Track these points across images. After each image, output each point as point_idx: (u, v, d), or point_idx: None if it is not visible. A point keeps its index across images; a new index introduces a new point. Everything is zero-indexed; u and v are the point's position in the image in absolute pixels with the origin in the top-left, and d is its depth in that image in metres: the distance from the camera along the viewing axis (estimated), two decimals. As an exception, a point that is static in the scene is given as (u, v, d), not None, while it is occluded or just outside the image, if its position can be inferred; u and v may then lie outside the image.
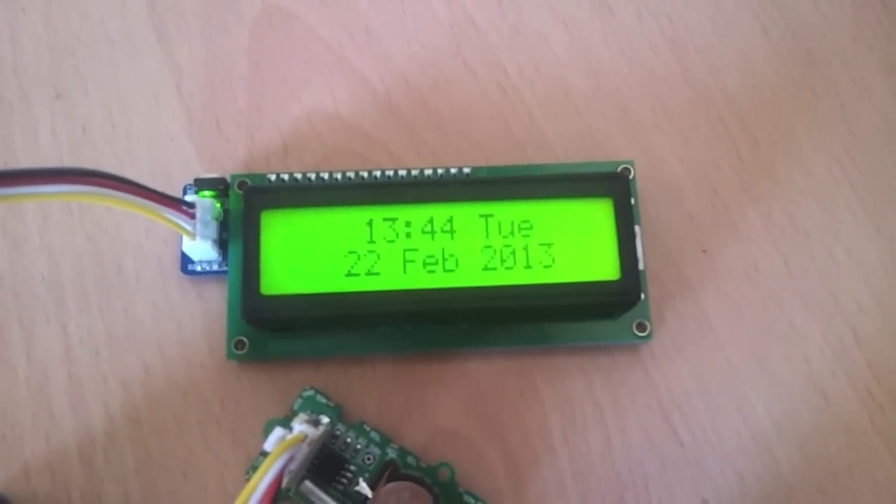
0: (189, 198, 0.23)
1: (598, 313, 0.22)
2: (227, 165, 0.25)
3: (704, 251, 0.24)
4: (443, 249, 0.21)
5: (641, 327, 0.23)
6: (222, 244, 0.23)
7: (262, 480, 0.18)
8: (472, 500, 0.21)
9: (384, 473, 0.21)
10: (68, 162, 0.25)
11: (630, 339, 0.23)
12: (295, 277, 0.21)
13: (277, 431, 0.19)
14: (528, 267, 0.21)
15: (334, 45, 0.26)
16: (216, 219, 0.23)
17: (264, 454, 0.19)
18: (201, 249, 0.23)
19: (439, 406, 0.22)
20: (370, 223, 0.22)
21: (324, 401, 0.22)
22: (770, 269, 0.24)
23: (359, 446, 0.21)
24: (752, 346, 0.23)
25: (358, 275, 0.21)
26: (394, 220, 0.22)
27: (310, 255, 0.21)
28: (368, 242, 0.22)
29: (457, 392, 0.23)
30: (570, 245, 0.22)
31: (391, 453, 0.21)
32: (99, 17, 0.26)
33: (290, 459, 0.19)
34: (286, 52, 0.26)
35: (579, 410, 0.22)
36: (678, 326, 0.23)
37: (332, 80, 0.26)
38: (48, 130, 0.25)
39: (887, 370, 0.23)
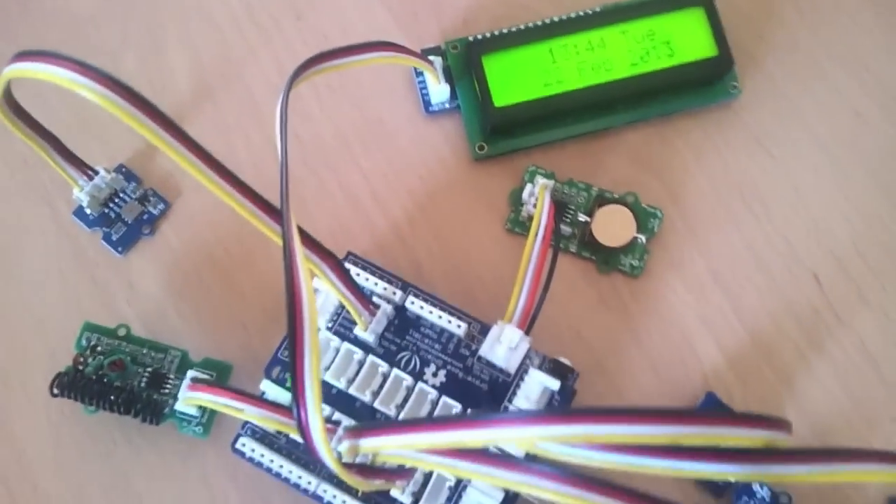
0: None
1: (708, 80, 0.34)
2: (431, 39, 0.35)
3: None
4: (602, 57, 0.33)
5: (734, 87, 0.34)
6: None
7: (544, 210, 0.30)
8: (652, 210, 0.33)
9: (596, 203, 0.33)
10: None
11: (728, 98, 0.34)
12: (513, 92, 0.33)
13: (539, 180, 0.31)
14: (658, 58, 0.33)
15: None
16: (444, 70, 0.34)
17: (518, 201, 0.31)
18: (439, 92, 0.34)
19: (615, 162, 0.34)
20: (551, 50, 0.33)
21: (542, 171, 0.33)
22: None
23: (573, 192, 0.33)
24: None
25: (551, 83, 0.33)
26: (567, 45, 0.33)
27: (518, 76, 0.33)
28: (553, 63, 0.33)
29: (624, 153, 0.34)
30: (682, 40, 0.33)
31: (595, 192, 0.33)
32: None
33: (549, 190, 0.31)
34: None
35: (703, 147, 0.34)
36: (764, 80, 0.35)
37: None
38: (301, 43, 0.36)
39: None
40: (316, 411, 0.22)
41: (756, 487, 0.30)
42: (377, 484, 0.25)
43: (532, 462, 0.20)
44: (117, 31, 0.36)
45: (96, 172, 0.32)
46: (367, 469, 0.25)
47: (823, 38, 0.35)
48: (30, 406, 0.32)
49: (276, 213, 0.24)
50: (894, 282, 0.33)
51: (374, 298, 0.29)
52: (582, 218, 0.33)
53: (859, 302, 0.33)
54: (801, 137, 0.34)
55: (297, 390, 0.22)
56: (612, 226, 0.32)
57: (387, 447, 0.22)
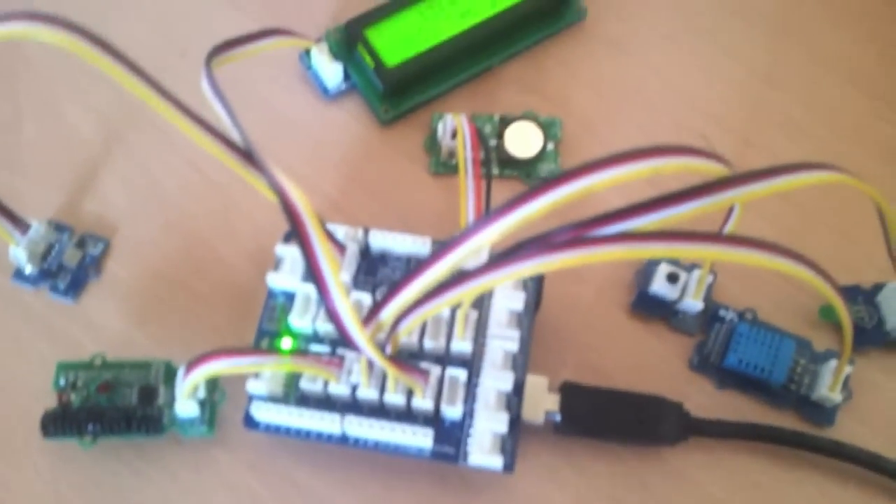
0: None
1: (558, 6, 0.38)
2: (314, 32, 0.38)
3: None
4: (465, 6, 0.37)
5: (581, 8, 0.39)
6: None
7: (465, 133, 0.33)
8: (551, 119, 0.36)
9: (502, 126, 0.36)
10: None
11: (579, 18, 0.39)
12: (399, 53, 0.36)
13: (448, 117, 0.34)
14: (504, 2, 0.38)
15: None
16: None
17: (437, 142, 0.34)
18: (332, 75, 0.36)
19: (504, 95, 0.38)
20: (420, 11, 0.37)
21: (448, 114, 0.36)
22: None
23: (479, 124, 0.36)
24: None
25: (429, 38, 0.36)
26: (432, 3, 0.37)
27: (400, 39, 0.36)
28: (425, 21, 0.37)
29: (509, 85, 0.38)
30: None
31: (497, 118, 0.36)
32: None
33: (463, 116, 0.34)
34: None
35: (573, 63, 0.38)
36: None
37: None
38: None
39: None
40: (341, 296, 0.23)
41: (723, 312, 0.33)
42: (405, 378, 0.26)
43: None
44: (9, 107, 0.37)
45: (29, 226, 0.32)
46: (394, 359, 0.26)
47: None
48: (18, 471, 0.30)
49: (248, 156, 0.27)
50: (767, 125, 0.38)
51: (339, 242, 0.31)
52: (493, 143, 0.36)
53: (745, 146, 0.37)
54: (646, 33, 0.39)
55: (319, 283, 0.23)
56: (523, 139, 0.36)
57: (400, 305, 0.24)
